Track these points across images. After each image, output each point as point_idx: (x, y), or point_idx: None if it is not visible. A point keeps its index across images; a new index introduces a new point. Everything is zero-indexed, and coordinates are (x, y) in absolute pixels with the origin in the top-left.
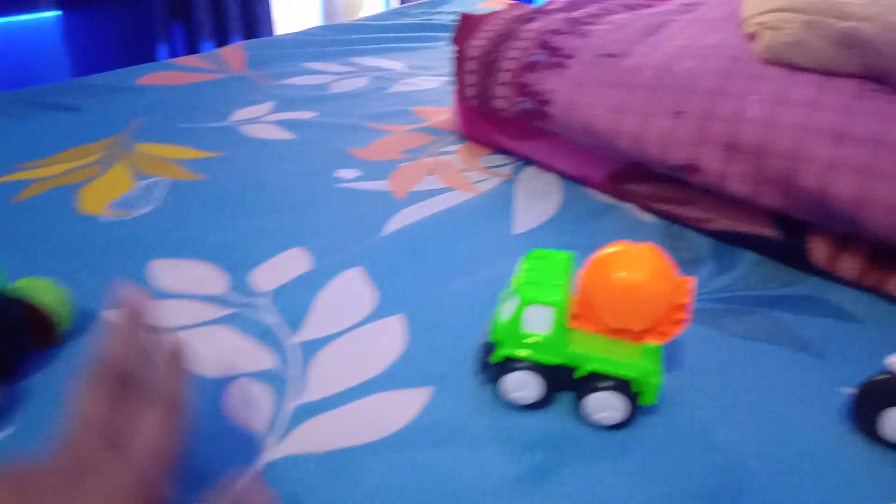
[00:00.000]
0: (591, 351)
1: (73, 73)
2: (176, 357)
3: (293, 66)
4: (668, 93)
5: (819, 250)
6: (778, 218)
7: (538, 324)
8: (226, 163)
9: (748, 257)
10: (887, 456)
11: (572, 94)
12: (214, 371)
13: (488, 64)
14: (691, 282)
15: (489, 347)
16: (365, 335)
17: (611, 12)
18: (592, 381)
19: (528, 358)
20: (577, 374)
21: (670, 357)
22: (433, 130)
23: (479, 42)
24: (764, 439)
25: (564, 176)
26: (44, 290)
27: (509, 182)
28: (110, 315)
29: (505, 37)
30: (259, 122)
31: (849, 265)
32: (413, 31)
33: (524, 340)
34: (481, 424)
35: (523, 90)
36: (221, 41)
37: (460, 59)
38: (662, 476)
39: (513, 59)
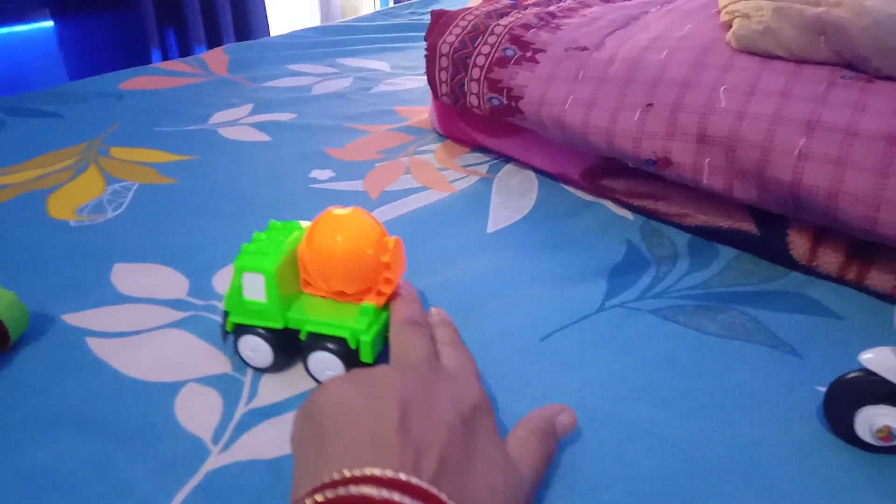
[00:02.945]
0: (312, 314)
1: (69, 80)
2: (441, 316)
3: (276, 69)
4: (638, 85)
5: (799, 244)
6: (755, 212)
7: (255, 291)
8: (199, 166)
9: (726, 253)
10: (863, 458)
11: (543, 90)
12: (165, 376)
13: (459, 61)
14: (396, 241)
15: (225, 315)
16: None
17: (586, 5)
18: (312, 343)
19: (253, 323)
20: (302, 336)
21: (633, 353)
22: (412, 130)
23: (450, 39)
24: (734, 442)
25: (541, 173)
26: None
27: (486, 180)
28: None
29: (477, 32)
30: (237, 124)
31: (829, 259)
32: (400, 31)
33: (247, 307)
34: None
35: (494, 86)
36: (214, 46)
37: (432, 57)
38: (612, 479)
39: (484, 55)
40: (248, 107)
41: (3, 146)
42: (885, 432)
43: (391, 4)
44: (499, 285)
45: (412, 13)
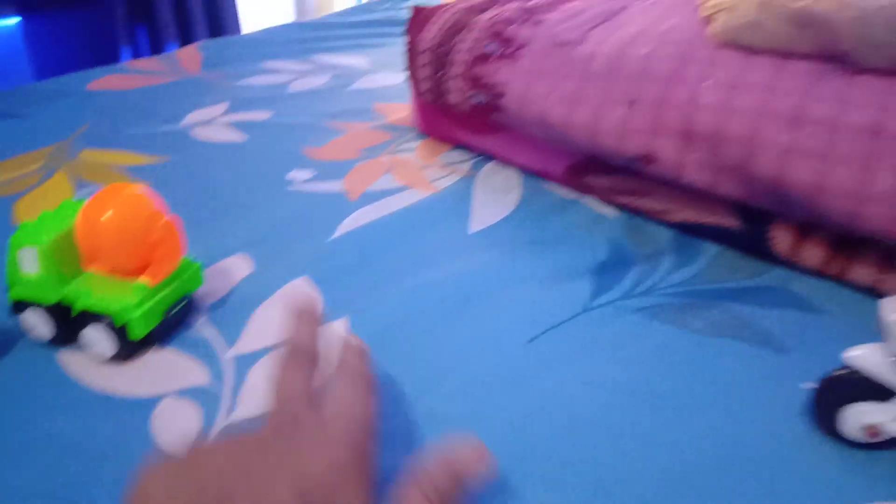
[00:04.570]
0: (87, 290)
1: (35, 79)
2: (351, 343)
3: (251, 66)
4: (621, 81)
5: (782, 239)
6: (739, 207)
7: (30, 265)
8: (172, 168)
9: (710, 249)
10: (847, 455)
11: (525, 86)
12: (140, 391)
13: (440, 57)
14: (166, 222)
15: (8, 289)
16: None
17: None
18: (84, 318)
19: (31, 298)
20: (73, 313)
21: (622, 353)
22: (393, 127)
23: (430, 34)
24: (725, 440)
25: (524, 170)
26: None
27: (468, 179)
28: (290, 308)
29: (457, 28)
30: (212, 124)
31: (812, 253)
32: (377, 27)
33: (24, 282)
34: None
35: (476, 83)
36: (186, 43)
37: (413, 53)
38: (606, 480)
39: (465, 50)
40: (224, 105)
41: None
42: (872, 429)
43: (365, 0)
44: (482, 286)
45: (388, 8)
